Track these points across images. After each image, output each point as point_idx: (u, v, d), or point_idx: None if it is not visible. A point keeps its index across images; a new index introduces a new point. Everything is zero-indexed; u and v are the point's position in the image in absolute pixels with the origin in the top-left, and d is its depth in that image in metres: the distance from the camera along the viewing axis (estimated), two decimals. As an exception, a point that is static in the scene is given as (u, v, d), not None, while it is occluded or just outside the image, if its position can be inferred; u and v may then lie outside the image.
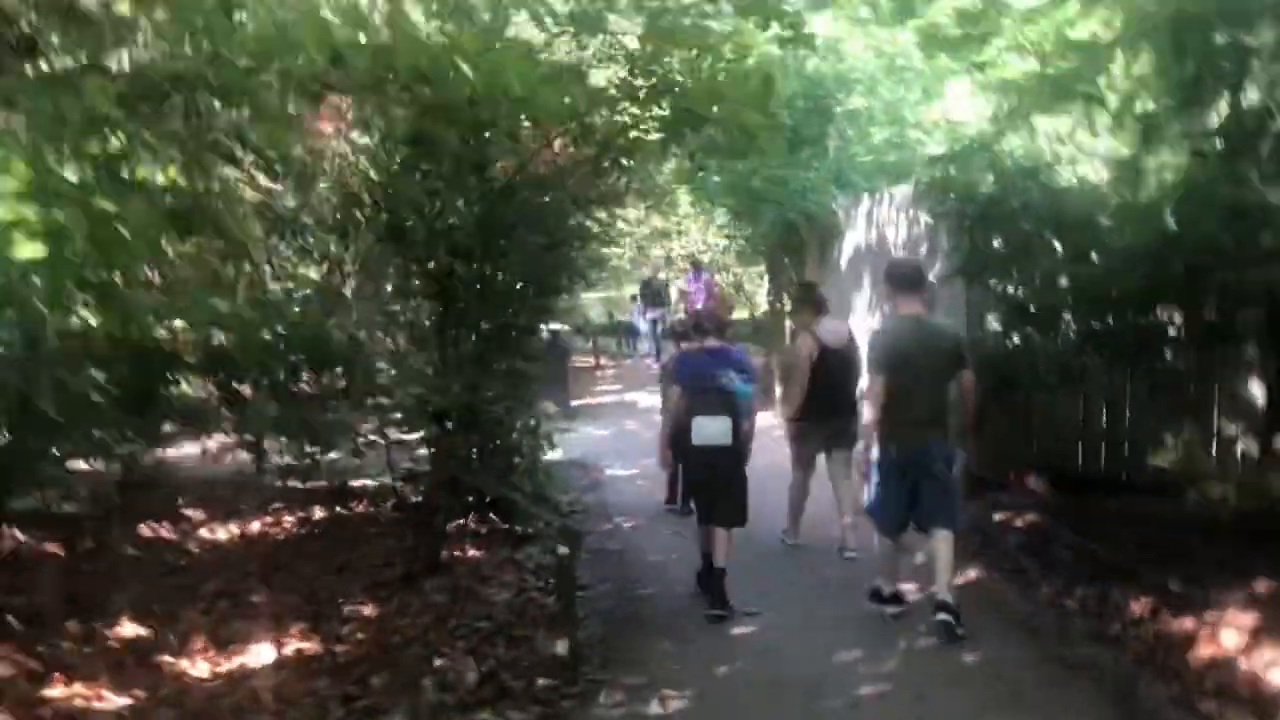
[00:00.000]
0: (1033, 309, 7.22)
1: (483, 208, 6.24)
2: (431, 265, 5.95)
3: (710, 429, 5.90)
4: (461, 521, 7.46)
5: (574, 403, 14.67)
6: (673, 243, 24.68)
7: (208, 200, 5.25)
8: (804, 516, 7.52)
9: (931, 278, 9.26)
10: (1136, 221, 5.41)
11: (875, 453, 5.70)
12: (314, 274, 8.65)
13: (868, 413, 5.66)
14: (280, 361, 7.14)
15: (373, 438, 7.42)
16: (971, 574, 6.63)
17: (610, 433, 12.51)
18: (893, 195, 10.67)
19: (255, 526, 7.64)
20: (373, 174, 6.00)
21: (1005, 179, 7.17)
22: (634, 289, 23.35)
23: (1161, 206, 5.15)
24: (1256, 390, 7.69)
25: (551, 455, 11.17)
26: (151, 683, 4.54)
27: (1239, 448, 7.88)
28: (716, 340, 6.36)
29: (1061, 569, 6.43)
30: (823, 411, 7.16)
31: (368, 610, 5.60)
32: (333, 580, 6.20)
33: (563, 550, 5.05)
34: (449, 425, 6.42)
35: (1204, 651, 4.87)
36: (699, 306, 18.71)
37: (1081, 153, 8.28)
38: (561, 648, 4.85)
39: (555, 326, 14.14)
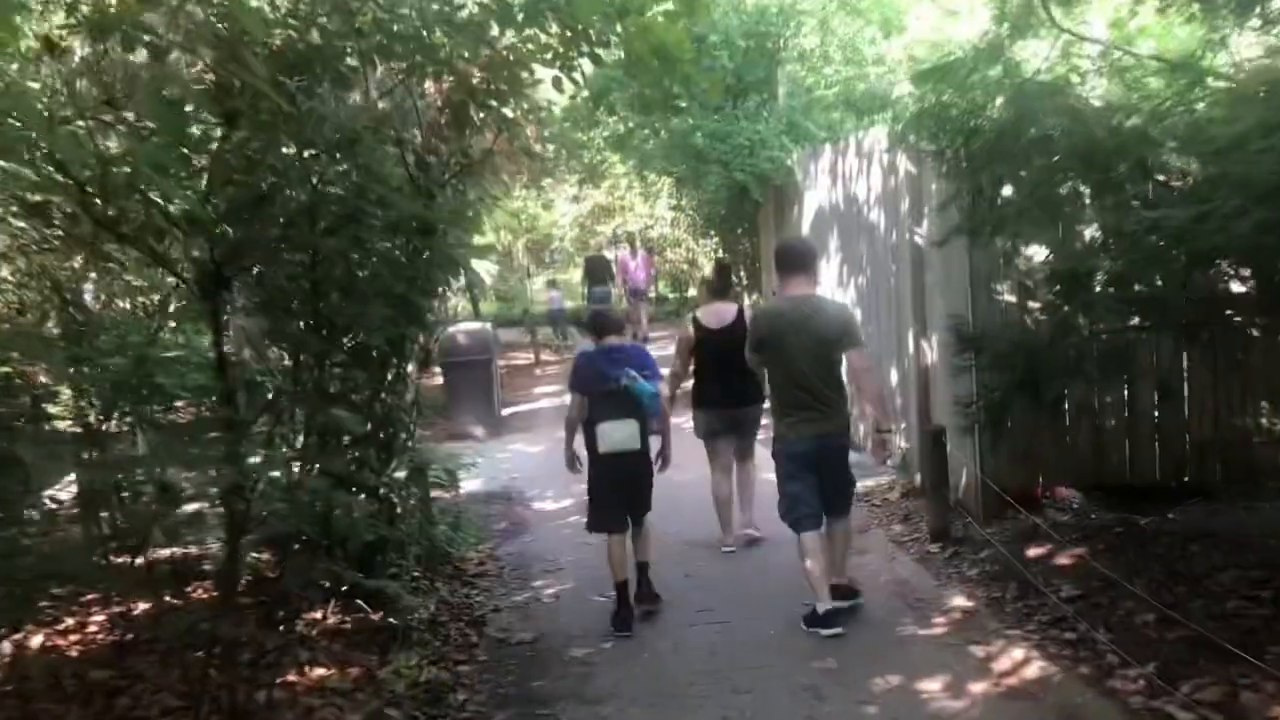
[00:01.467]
0: (1063, 275, 5.30)
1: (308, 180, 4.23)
2: (185, 270, 3.94)
3: (616, 435, 5.57)
4: (317, 615, 5.50)
5: (505, 411, 12.69)
6: (616, 219, 22.68)
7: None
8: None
9: (919, 240, 7.37)
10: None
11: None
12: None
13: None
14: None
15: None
16: (1017, 653, 4.72)
17: (544, 449, 10.48)
18: (860, 141, 8.73)
19: (41, 638, 5.60)
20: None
21: (1022, 100, 5.22)
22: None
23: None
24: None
25: (468, 486, 9.27)
26: None
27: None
28: (616, 338, 5.89)
29: (1145, 640, 4.54)
30: (712, 399, 6.74)
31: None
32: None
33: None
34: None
35: None
36: (638, 285, 17.71)
37: (1107, 61, 6.39)
38: None
39: (468, 326, 12.13)
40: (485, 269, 29.32)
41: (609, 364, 5.65)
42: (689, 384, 6.95)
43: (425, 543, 6.54)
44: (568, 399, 6.30)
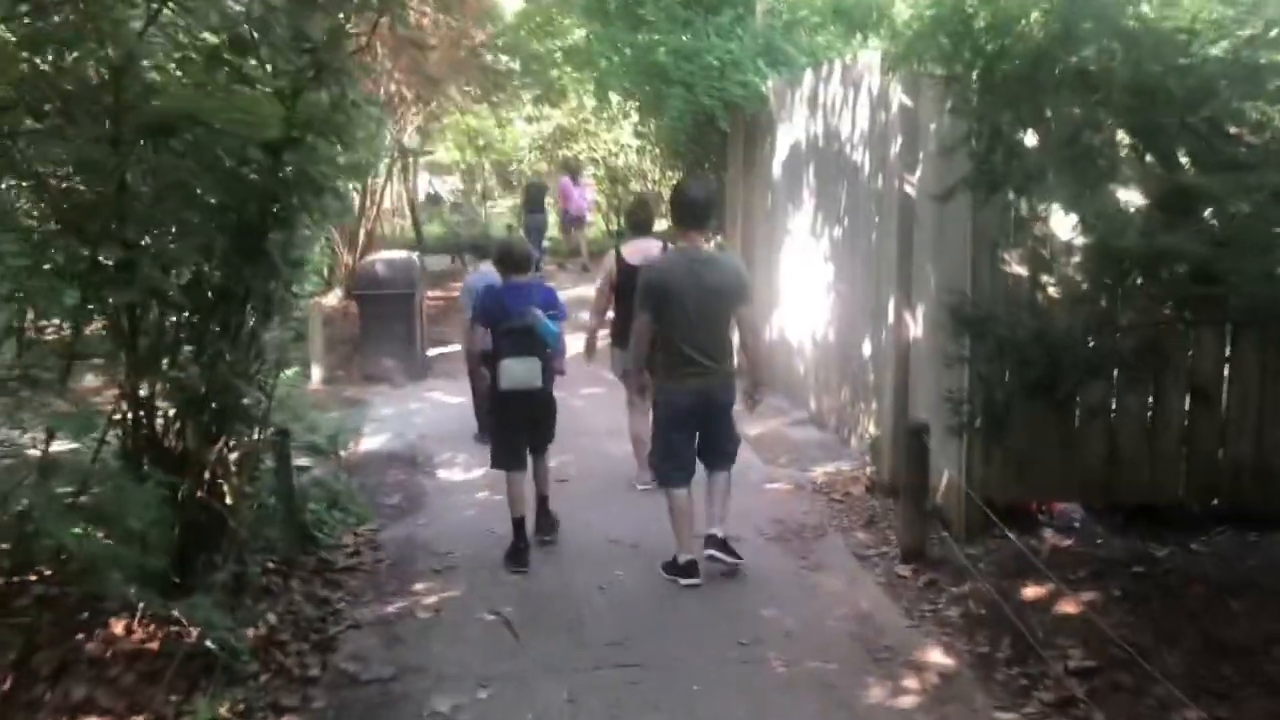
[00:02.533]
0: (1113, 252, 4.06)
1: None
2: None
3: (518, 372, 5.45)
4: (119, 629, 4.26)
5: (432, 351, 11.35)
6: (579, 144, 21.11)
7: None
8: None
9: (909, 190, 6.11)
10: None
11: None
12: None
13: (632, 351, 5.39)
14: None
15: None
16: (1011, 752, 3.58)
17: (467, 399, 9.11)
18: (847, 67, 7.39)
19: None
20: None
21: (1072, 14, 3.94)
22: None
23: None
24: None
25: (367, 444, 8.01)
26: None
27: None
28: (520, 276, 5.69)
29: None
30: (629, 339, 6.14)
31: None
32: None
33: None
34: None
35: None
36: (580, 213, 17.70)
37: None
38: None
39: (389, 255, 10.78)
40: (446, 189, 27.84)
41: (513, 299, 5.53)
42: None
43: (282, 528, 5.30)
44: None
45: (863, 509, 6.22)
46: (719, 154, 11.06)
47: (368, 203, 14.18)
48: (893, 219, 6.30)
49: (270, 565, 5.23)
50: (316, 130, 4.45)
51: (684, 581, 5.11)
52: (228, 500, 4.52)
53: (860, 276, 7.07)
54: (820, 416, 8.04)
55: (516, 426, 5.61)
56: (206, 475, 4.42)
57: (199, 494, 4.39)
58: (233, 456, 4.53)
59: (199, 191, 4.21)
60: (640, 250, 6.47)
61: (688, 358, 5.06)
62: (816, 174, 8.03)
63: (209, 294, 4.41)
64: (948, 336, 5.01)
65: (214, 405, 4.44)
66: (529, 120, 19.35)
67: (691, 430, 5.21)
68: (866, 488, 6.50)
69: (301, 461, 6.15)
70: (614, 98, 12.99)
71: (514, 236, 8.52)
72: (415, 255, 11.09)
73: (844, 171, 7.37)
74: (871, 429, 6.84)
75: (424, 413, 9.04)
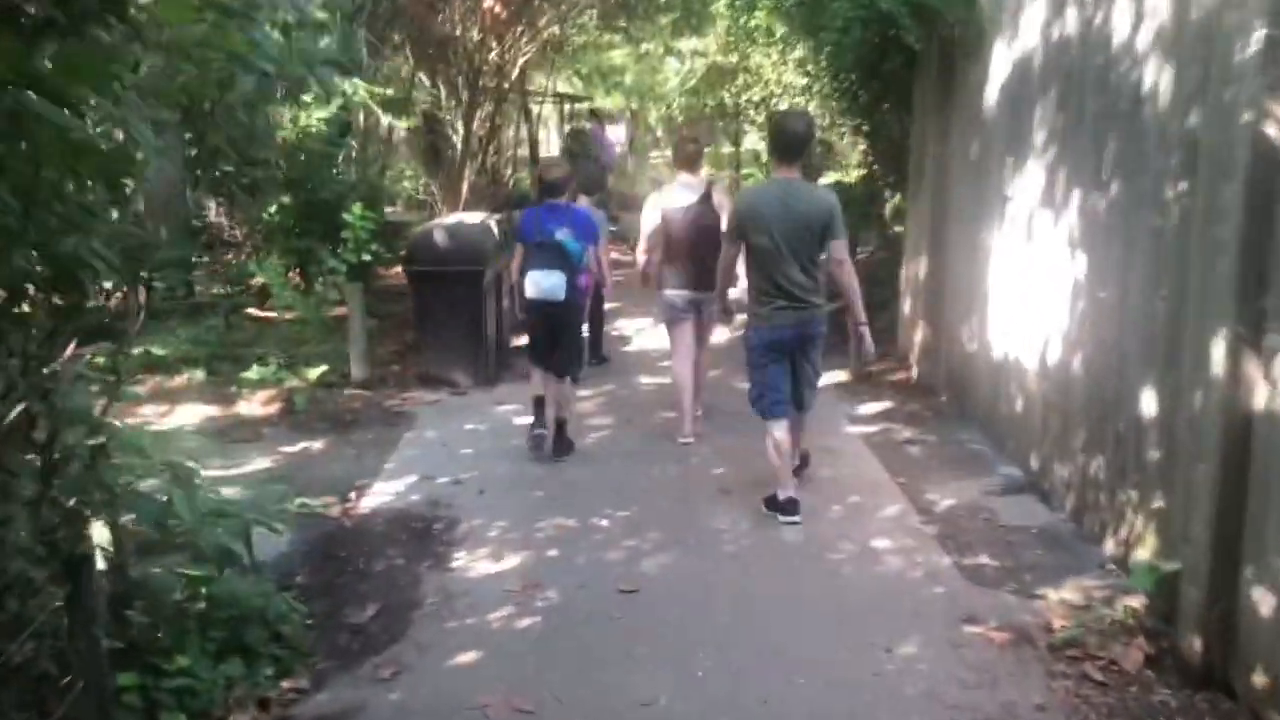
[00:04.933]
0: None
1: None
2: None
3: (543, 283, 5.83)
4: None
5: (520, 341, 8.89)
6: (736, 83, 18.21)
7: None
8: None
9: (1270, 131, 3.23)
10: None
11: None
12: None
13: (720, 279, 5.46)
14: None
15: None
16: None
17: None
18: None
19: None
20: None
21: None
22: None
23: None
24: None
25: (373, 498, 5.62)
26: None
27: None
28: (558, 199, 6.06)
29: None
30: (676, 281, 6.31)
31: None
32: None
33: None
34: None
35: None
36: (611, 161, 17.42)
37: None
38: None
39: (456, 219, 8.30)
40: (615, 137, 25.66)
41: (549, 219, 5.92)
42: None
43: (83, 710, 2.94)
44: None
45: (1145, 707, 3.45)
46: (902, 89, 8.18)
47: (472, 147, 11.88)
48: (1229, 185, 3.41)
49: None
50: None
51: (783, 519, 5.04)
52: None
53: (1140, 278, 4.20)
54: (1047, 484, 5.24)
55: (539, 332, 6.09)
56: None
57: None
58: None
59: None
60: (684, 188, 6.35)
61: (778, 289, 4.99)
62: (1060, 107, 5.13)
63: None
64: None
65: None
66: (677, 57, 16.60)
67: (785, 364, 5.14)
68: (1147, 657, 3.72)
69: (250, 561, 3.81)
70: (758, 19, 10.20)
71: (552, 160, 8.04)
72: (492, 219, 8.58)
73: (1114, 103, 4.47)
74: (1152, 543, 4.02)
75: (479, 437, 6.61)
